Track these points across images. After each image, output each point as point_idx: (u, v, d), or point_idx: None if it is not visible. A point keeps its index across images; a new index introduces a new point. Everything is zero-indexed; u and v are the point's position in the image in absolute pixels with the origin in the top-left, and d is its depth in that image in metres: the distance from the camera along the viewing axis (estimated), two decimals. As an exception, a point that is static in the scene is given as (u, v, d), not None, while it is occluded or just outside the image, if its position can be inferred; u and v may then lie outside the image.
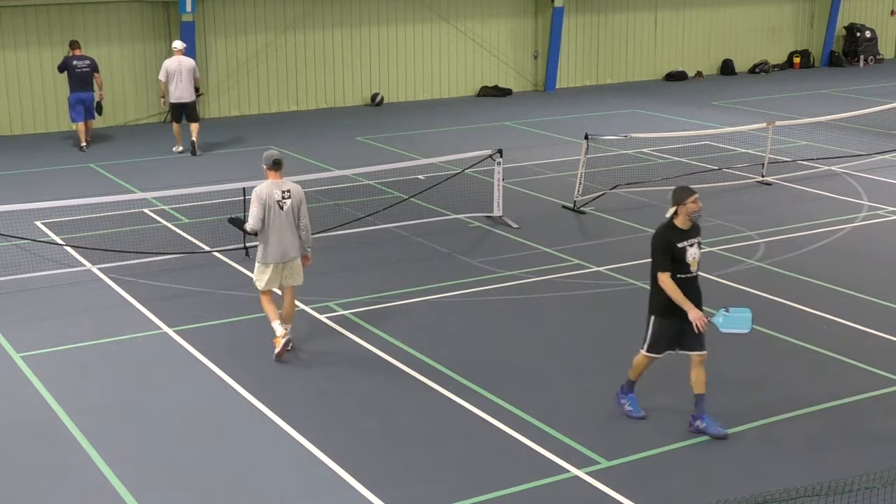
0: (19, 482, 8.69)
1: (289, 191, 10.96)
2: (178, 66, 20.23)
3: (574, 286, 13.13)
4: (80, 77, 20.61)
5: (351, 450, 9.10)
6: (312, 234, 14.99)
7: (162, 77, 20.34)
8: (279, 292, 11.37)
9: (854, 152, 20.02)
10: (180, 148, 20.80)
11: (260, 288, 11.11)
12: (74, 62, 20.62)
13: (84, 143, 21.05)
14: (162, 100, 20.99)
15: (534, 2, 27.79)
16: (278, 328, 10.96)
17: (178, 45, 20.47)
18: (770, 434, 9.38)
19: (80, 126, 20.99)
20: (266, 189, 10.88)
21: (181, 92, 20.23)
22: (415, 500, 8.36)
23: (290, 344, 11.08)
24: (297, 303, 11.65)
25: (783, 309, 12.34)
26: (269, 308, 11.09)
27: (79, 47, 20.85)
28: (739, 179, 18.16)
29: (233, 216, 11.92)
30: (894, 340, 11.43)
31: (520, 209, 16.27)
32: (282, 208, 10.88)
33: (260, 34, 24.56)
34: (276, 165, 10.96)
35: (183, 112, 20.51)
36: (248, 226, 10.98)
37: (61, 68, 20.79)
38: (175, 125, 20.80)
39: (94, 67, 20.79)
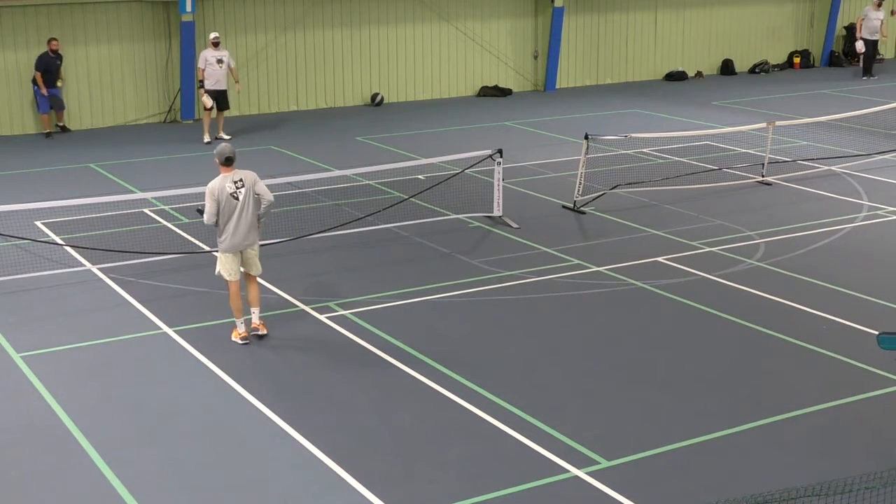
0: (19, 482, 8.69)
1: (241, 180, 11.26)
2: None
3: (574, 286, 13.13)
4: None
5: (351, 450, 9.10)
6: (313, 234, 15.14)
7: None
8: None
9: (854, 152, 20.01)
10: (220, 134, 21.81)
11: (226, 278, 11.43)
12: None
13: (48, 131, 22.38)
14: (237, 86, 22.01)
15: (534, 2, 27.78)
16: (241, 326, 11.38)
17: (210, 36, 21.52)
18: (770, 434, 9.38)
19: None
20: (218, 184, 11.22)
21: None
22: (415, 500, 8.36)
23: (258, 327, 11.48)
24: (292, 300, 12.10)
25: (783, 309, 12.35)
26: (235, 304, 11.43)
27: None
28: (739, 179, 18.15)
29: (200, 207, 12.28)
30: (894, 340, 11.42)
31: (520, 209, 16.26)
32: (237, 199, 11.19)
33: (260, 34, 24.55)
34: (227, 162, 11.27)
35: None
36: (204, 220, 11.36)
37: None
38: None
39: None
